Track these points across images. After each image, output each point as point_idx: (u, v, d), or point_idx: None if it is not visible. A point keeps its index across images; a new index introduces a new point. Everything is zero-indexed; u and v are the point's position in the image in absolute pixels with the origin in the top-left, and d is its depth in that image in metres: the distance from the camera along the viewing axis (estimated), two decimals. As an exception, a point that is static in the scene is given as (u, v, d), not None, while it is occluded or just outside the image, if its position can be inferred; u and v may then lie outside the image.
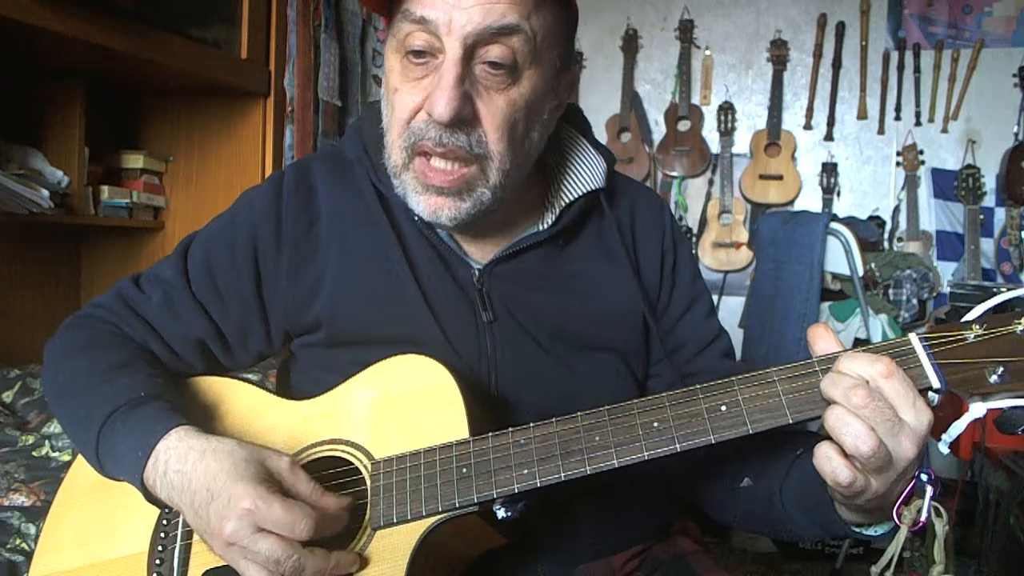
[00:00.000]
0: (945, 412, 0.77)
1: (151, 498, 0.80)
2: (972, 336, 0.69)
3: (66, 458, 1.61)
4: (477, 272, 0.93)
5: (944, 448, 0.73)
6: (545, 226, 0.95)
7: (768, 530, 0.94)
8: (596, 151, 0.99)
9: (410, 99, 0.82)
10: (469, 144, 0.82)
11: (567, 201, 0.95)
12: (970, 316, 0.71)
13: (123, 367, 0.87)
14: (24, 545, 1.38)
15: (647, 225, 1.02)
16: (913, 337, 0.71)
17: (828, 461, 0.68)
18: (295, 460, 0.79)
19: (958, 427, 0.71)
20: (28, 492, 1.52)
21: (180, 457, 0.77)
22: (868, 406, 0.65)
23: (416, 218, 0.92)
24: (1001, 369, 0.67)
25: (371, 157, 0.94)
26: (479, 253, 0.95)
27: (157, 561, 0.84)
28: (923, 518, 0.71)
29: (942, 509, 0.72)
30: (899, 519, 0.72)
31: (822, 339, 0.74)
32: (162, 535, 0.85)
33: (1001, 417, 0.69)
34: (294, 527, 0.71)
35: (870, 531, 0.79)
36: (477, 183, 0.85)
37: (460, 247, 0.94)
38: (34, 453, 1.63)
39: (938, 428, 0.70)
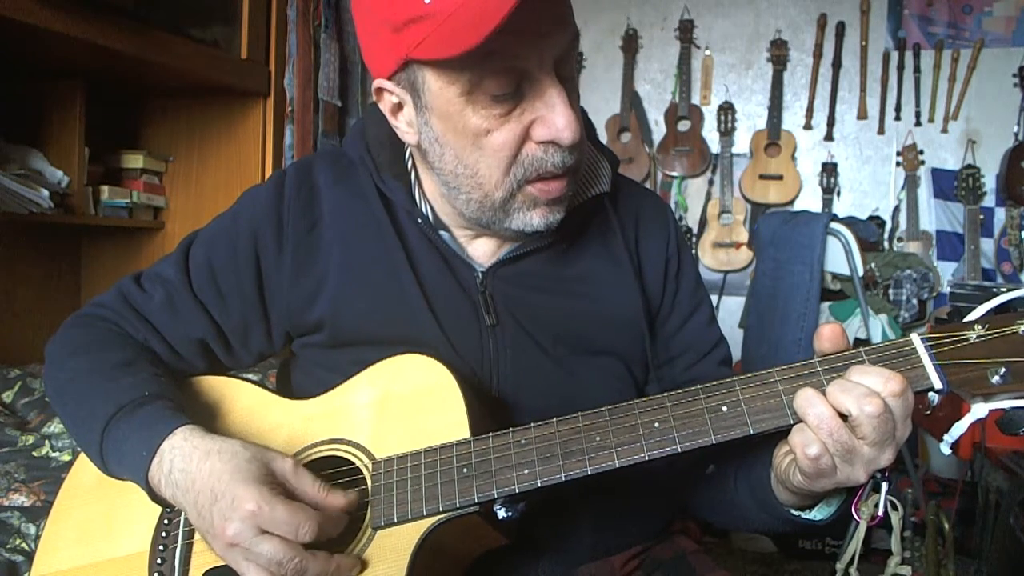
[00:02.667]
0: (945, 412, 0.78)
1: (155, 497, 0.80)
2: (974, 337, 0.69)
3: (66, 458, 1.61)
4: (480, 275, 0.93)
5: (946, 449, 0.74)
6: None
7: (726, 519, 0.96)
8: (600, 154, 0.99)
9: (506, 136, 0.79)
10: (579, 153, 0.83)
11: (572, 204, 0.95)
12: (972, 316, 0.71)
13: (126, 366, 0.87)
14: (24, 545, 1.38)
15: (651, 229, 1.02)
16: (915, 337, 0.71)
17: (800, 432, 0.70)
18: (298, 462, 0.78)
19: (960, 428, 0.72)
20: (28, 492, 1.52)
21: (185, 457, 0.77)
22: (879, 416, 0.67)
23: (419, 220, 0.92)
24: (1003, 370, 0.67)
25: (374, 158, 0.94)
26: (482, 256, 0.95)
27: (158, 561, 0.84)
28: (880, 513, 0.73)
29: (898, 503, 0.75)
30: (858, 515, 0.74)
31: (830, 343, 0.74)
32: (163, 535, 0.85)
33: (1003, 418, 0.69)
34: (298, 529, 0.71)
35: (810, 515, 0.81)
36: (575, 178, 0.87)
37: (463, 249, 0.94)
38: (34, 453, 1.63)
39: (938, 428, 0.71)
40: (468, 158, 0.82)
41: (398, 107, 0.85)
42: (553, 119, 0.78)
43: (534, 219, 0.86)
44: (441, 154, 0.84)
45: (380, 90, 0.85)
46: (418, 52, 0.75)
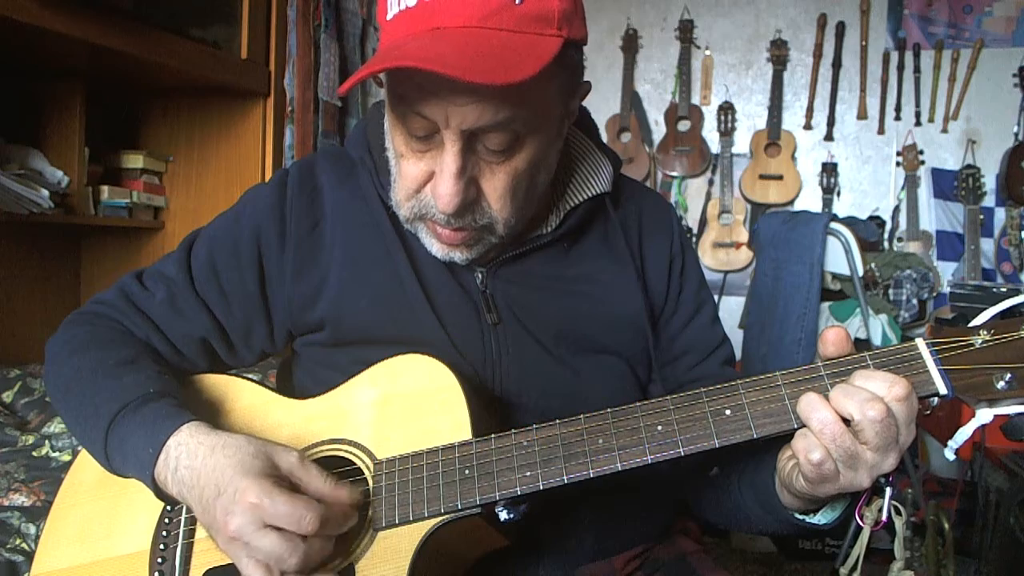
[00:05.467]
0: (944, 412, 0.78)
1: (161, 495, 0.79)
2: (979, 342, 0.69)
3: (66, 458, 1.61)
4: (481, 274, 0.93)
5: (951, 455, 0.73)
6: (550, 229, 0.95)
7: (729, 521, 0.96)
8: (602, 154, 0.99)
9: (416, 169, 0.82)
10: (475, 220, 0.84)
11: (572, 204, 0.95)
12: (977, 321, 0.71)
13: (129, 364, 0.87)
14: (24, 545, 1.38)
15: (655, 229, 1.02)
16: (920, 343, 0.71)
17: (803, 438, 0.70)
18: (304, 455, 0.78)
19: (964, 433, 0.71)
20: (28, 492, 1.51)
21: (190, 453, 0.76)
22: (882, 421, 0.67)
23: None
24: (1009, 375, 0.67)
25: (375, 159, 0.94)
26: (483, 256, 0.95)
27: (159, 560, 0.84)
28: (884, 518, 0.73)
29: (901, 508, 0.75)
30: (861, 520, 0.74)
31: (834, 347, 0.74)
32: (164, 533, 0.85)
33: (1008, 424, 0.69)
34: (300, 521, 0.71)
35: (813, 520, 0.81)
36: (485, 236, 0.87)
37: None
38: (34, 453, 1.63)
39: (937, 428, 0.71)
40: (394, 166, 0.87)
41: None
42: (437, 182, 0.80)
43: (434, 248, 0.88)
44: (388, 147, 0.89)
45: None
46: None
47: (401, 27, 0.77)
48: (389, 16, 0.78)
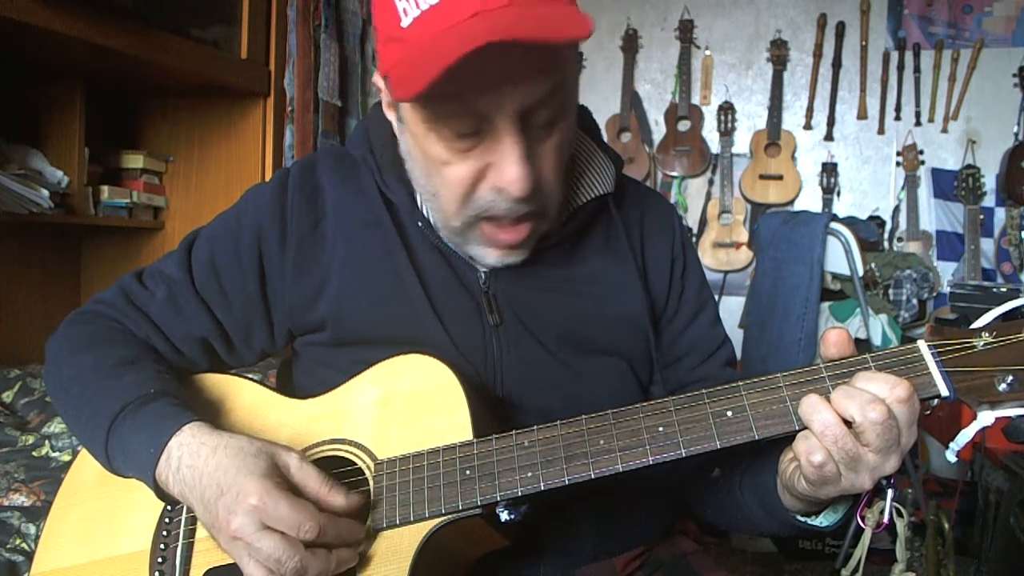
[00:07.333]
0: (944, 412, 0.78)
1: (162, 495, 0.79)
2: (981, 344, 0.68)
3: (66, 458, 1.61)
4: (483, 275, 0.93)
5: (952, 457, 0.73)
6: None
7: (731, 522, 0.96)
8: (605, 154, 0.99)
9: (464, 170, 0.80)
10: (538, 203, 0.83)
11: (576, 205, 0.95)
12: (979, 323, 0.71)
13: (130, 363, 0.87)
14: (24, 545, 1.38)
15: (657, 230, 1.02)
16: (922, 344, 0.71)
17: (805, 439, 0.70)
18: (304, 456, 0.78)
19: (966, 435, 0.71)
20: (28, 492, 1.51)
21: (192, 453, 0.76)
22: (884, 423, 0.66)
23: (419, 223, 0.92)
24: (1011, 378, 0.67)
25: (376, 159, 0.94)
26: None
27: (159, 559, 0.84)
28: (885, 519, 0.73)
29: (903, 510, 0.75)
30: (863, 521, 0.74)
31: (836, 348, 0.74)
32: (164, 533, 0.85)
33: (1010, 426, 0.69)
34: (299, 527, 0.71)
35: (815, 522, 0.81)
36: (537, 225, 0.86)
37: (466, 251, 0.94)
38: (34, 453, 1.63)
39: (937, 428, 0.71)
40: (431, 181, 0.84)
41: (391, 105, 0.88)
42: (504, 169, 0.78)
43: (488, 257, 0.87)
44: (412, 167, 0.86)
45: (379, 87, 0.88)
46: (391, 73, 0.76)
47: (432, 24, 0.72)
48: (406, 23, 0.73)
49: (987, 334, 0.68)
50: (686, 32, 3.55)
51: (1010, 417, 0.68)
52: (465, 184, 0.81)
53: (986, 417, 0.69)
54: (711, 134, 3.58)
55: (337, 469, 0.83)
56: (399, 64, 0.74)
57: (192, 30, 2.06)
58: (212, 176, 2.40)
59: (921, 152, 3.33)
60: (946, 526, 2.21)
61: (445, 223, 0.87)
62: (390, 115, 0.89)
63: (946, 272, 3.30)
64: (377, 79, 0.86)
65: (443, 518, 0.77)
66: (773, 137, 3.47)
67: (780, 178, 3.47)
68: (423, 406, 0.83)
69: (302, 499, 0.74)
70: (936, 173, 3.36)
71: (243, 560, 0.73)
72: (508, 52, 0.67)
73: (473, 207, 0.82)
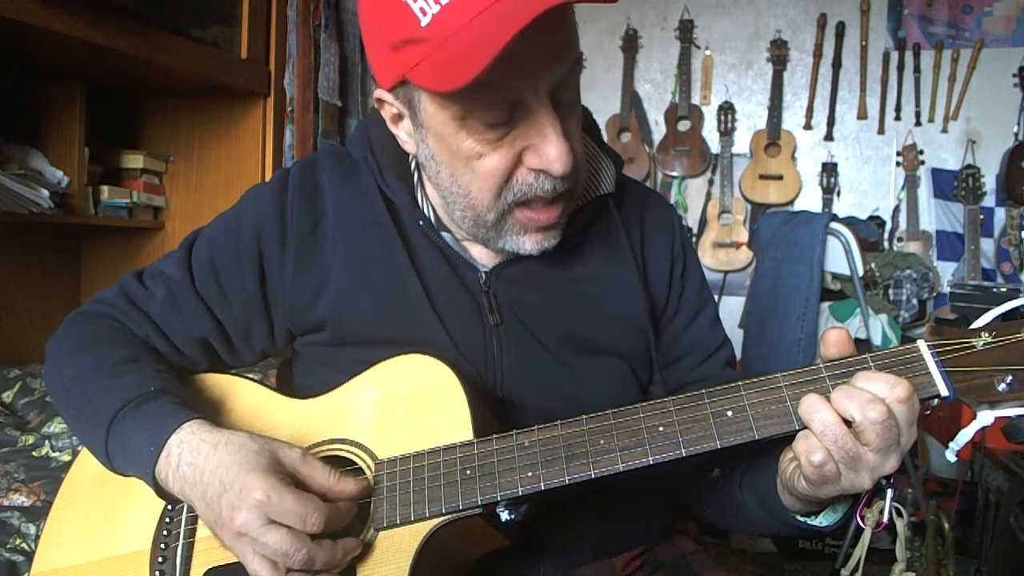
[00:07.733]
0: (944, 412, 0.78)
1: (162, 493, 0.79)
2: (980, 344, 0.68)
3: (66, 458, 1.61)
4: (483, 275, 0.93)
5: (952, 457, 0.74)
6: None
7: (730, 522, 0.96)
8: (605, 154, 0.99)
9: (499, 160, 0.80)
10: (573, 180, 0.83)
11: (578, 204, 0.95)
12: (978, 323, 0.71)
13: (130, 362, 0.87)
14: (24, 545, 1.38)
15: (656, 230, 1.02)
16: (921, 344, 0.71)
17: (805, 439, 0.70)
18: (306, 451, 0.78)
19: (966, 435, 0.71)
20: (28, 492, 1.51)
21: (193, 451, 0.76)
22: (883, 422, 0.67)
23: (420, 222, 0.92)
24: (1010, 378, 0.67)
25: (377, 159, 0.94)
26: (485, 256, 0.94)
27: (160, 559, 0.84)
28: (885, 519, 0.73)
29: (903, 509, 0.75)
30: (863, 521, 0.74)
31: (836, 348, 0.74)
32: (165, 533, 0.85)
33: (1009, 426, 0.69)
34: (306, 519, 0.71)
35: (815, 522, 0.81)
36: (570, 205, 0.87)
37: (466, 250, 0.94)
38: (34, 453, 1.63)
39: (936, 428, 0.71)
40: (461, 179, 0.83)
41: (398, 117, 0.86)
42: (545, 149, 0.78)
43: (526, 244, 0.87)
44: (437, 171, 0.85)
45: (381, 100, 0.86)
46: (414, 75, 0.76)
47: (457, 17, 0.71)
48: (425, 22, 0.72)
49: (987, 334, 0.68)
50: (686, 32, 3.56)
51: (1010, 417, 0.68)
52: (500, 173, 0.81)
53: (986, 417, 0.69)
54: (711, 134, 3.58)
55: (338, 469, 0.83)
56: (429, 62, 0.73)
57: (192, 30, 2.06)
58: (212, 176, 2.40)
59: (921, 152, 3.34)
60: (946, 526, 2.21)
61: (478, 219, 0.86)
62: (396, 128, 0.88)
63: (946, 272, 3.30)
64: (381, 92, 0.84)
65: (443, 518, 0.77)
66: (773, 137, 3.47)
67: (780, 178, 3.47)
68: (423, 406, 0.83)
69: (306, 492, 0.74)
70: (936, 173, 3.36)
71: (247, 556, 0.72)
72: (537, 32, 0.67)
73: (510, 195, 0.82)
